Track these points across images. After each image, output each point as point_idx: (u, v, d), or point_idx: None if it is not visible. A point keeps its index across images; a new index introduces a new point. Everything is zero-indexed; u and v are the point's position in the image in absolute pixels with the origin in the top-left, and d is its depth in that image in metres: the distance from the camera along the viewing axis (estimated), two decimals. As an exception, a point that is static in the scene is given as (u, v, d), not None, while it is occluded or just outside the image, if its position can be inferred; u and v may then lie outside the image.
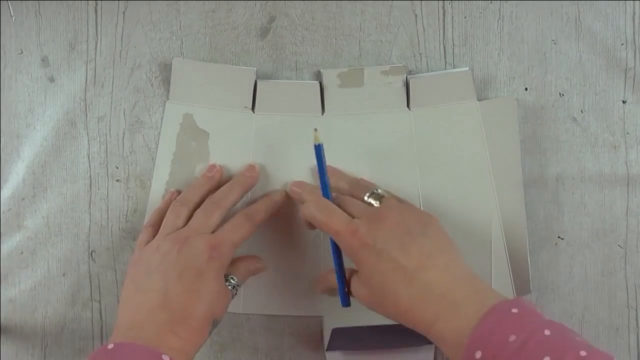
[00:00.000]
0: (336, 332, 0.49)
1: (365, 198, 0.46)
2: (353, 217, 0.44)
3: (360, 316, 0.49)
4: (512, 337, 0.36)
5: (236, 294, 0.46)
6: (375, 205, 0.45)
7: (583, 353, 0.35)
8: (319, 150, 0.46)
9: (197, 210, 0.47)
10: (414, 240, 0.42)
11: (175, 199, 0.48)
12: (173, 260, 0.43)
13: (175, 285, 0.42)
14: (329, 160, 0.51)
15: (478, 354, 0.37)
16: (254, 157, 0.51)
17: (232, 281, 0.46)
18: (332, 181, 0.48)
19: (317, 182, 0.50)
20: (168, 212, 0.47)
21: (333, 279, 0.47)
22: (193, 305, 0.42)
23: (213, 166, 0.50)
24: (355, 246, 0.42)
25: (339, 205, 0.45)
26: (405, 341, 0.48)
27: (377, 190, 0.46)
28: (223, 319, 0.45)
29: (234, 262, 0.47)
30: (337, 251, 0.46)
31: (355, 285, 0.44)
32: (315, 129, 0.46)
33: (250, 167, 0.50)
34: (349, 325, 0.50)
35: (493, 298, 0.39)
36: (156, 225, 0.47)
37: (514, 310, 0.38)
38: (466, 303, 0.39)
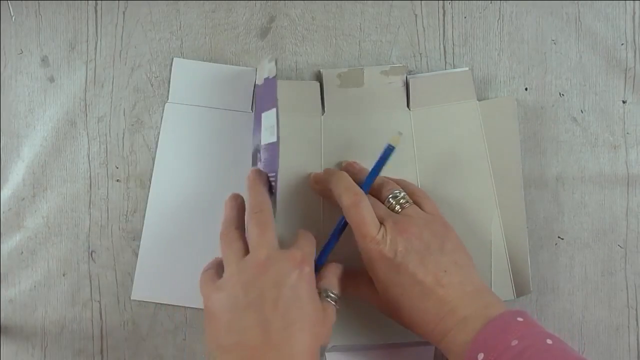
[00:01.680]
0: (335, 346, 0.50)
1: (387, 199, 0.46)
2: (379, 220, 0.44)
3: (360, 316, 0.49)
4: (515, 342, 0.37)
5: (338, 308, 0.43)
6: (396, 208, 0.45)
7: None
8: (389, 152, 0.46)
9: (250, 228, 0.41)
10: (432, 255, 0.42)
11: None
12: (262, 287, 0.38)
13: (273, 317, 0.37)
14: (329, 159, 0.51)
15: (480, 356, 0.37)
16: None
17: (331, 295, 0.42)
18: (359, 179, 0.48)
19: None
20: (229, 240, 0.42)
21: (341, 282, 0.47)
22: (297, 338, 0.37)
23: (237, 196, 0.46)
24: (376, 257, 0.42)
25: None
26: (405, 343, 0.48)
27: (399, 193, 0.46)
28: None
29: (320, 275, 0.44)
30: (341, 228, 0.45)
31: (368, 292, 0.45)
32: (400, 133, 0.46)
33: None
34: (348, 323, 0.50)
35: (501, 309, 0.40)
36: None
37: (519, 319, 0.39)
38: (474, 317, 0.40)
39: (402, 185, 0.48)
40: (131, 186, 0.51)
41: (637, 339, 0.53)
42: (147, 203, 0.51)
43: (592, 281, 0.53)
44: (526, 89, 0.54)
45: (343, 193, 0.44)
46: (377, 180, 0.48)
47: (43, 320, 0.51)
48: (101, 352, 0.51)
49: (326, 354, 0.50)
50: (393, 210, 0.45)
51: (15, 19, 0.52)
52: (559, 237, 0.53)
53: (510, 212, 0.51)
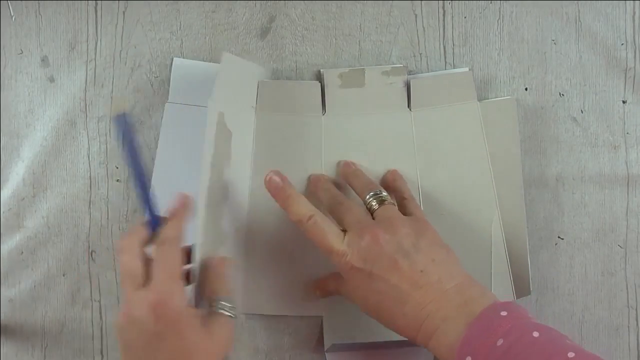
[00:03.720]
0: (334, 346, 0.50)
1: (366, 198, 0.45)
2: (346, 227, 0.43)
3: (360, 315, 0.49)
4: (500, 341, 0.36)
5: (234, 316, 0.41)
6: (374, 206, 0.45)
7: (571, 354, 0.34)
8: (122, 122, 0.41)
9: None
10: (406, 257, 0.41)
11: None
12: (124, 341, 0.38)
13: None
14: (329, 160, 0.51)
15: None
16: (255, 156, 0.51)
17: (223, 304, 0.40)
18: (350, 179, 0.49)
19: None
20: None
21: (330, 284, 0.47)
22: None
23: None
24: (346, 268, 0.42)
25: (338, 212, 0.44)
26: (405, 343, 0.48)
27: (380, 192, 0.45)
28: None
29: (206, 281, 0.42)
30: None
31: (351, 298, 0.44)
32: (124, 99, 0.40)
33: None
34: (347, 323, 0.50)
35: (483, 304, 0.39)
36: None
37: (503, 313, 0.38)
38: (454, 318, 0.39)
39: (392, 177, 0.48)
40: (131, 186, 0.51)
41: (637, 339, 0.53)
42: (147, 203, 0.51)
43: (592, 281, 0.53)
44: (526, 89, 0.54)
45: (293, 216, 0.43)
46: (363, 179, 0.48)
47: (43, 320, 0.51)
48: (101, 352, 0.51)
49: (326, 353, 0.50)
50: (371, 208, 0.45)
51: (15, 19, 0.52)
52: (559, 237, 0.53)
53: (510, 212, 0.51)
